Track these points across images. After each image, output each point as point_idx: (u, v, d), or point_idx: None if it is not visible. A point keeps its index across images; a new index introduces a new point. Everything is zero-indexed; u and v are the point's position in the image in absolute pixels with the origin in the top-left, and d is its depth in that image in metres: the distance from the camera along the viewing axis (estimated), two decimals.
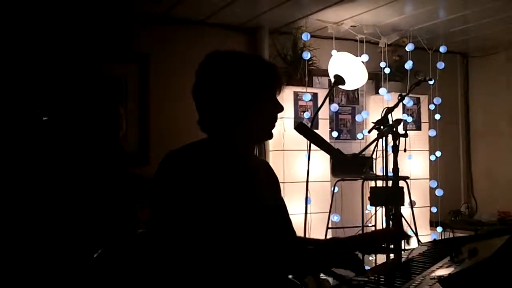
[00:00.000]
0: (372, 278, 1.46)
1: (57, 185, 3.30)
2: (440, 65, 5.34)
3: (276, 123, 1.56)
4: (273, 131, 1.55)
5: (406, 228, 3.88)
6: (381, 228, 2.67)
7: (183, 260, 1.30)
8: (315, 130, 4.39)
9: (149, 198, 1.44)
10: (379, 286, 1.41)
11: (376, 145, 3.09)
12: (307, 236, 4.29)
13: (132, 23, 4.50)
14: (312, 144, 1.97)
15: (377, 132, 2.74)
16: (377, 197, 4.11)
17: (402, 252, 1.72)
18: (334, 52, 4.78)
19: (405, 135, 2.54)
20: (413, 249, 1.90)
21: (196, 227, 1.32)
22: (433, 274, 1.45)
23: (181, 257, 1.30)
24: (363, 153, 3.70)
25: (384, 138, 2.80)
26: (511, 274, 1.21)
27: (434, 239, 2.28)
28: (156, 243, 1.33)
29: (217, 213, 1.34)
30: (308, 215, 4.23)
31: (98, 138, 3.37)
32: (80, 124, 3.85)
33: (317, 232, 4.59)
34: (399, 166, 2.59)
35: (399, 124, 2.61)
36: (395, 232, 1.68)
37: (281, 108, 1.54)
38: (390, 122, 2.74)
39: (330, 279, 1.39)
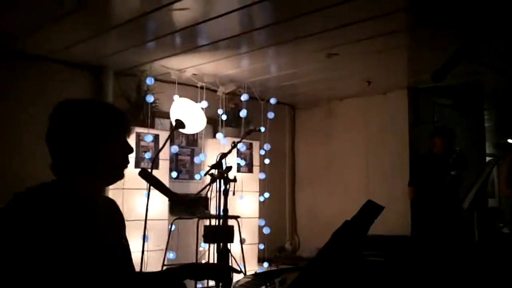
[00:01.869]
0: None
1: None
2: (271, 114, 5.95)
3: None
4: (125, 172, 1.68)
5: (234, 264, 4.21)
6: (213, 262, 2.96)
7: None
8: (156, 170, 4.60)
9: None
10: None
11: (210, 187, 3.41)
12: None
13: None
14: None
15: (210, 177, 3.06)
16: (209, 234, 4.41)
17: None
18: (176, 97, 5.05)
19: (234, 180, 2.89)
20: (238, 280, 2.21)
21: (37, 271, 1.38)
22: None
23: None
24: (201, 193, 4.00)
25: (218, 181, 3.13)
26: None
27: (256, 272, 2.63)
28: None
29: (57, 257, 1.41)
30: (146, 252, 4.37)
31: None
32: None
33: (153, 269, 4.72)
34: (231, 206, 2.93)
35: (230, 170, 2.96)
36: (223, 266, 1.95)
37: (130, 150, 1.68)
38: (224, 167, 3.08)
39: None
